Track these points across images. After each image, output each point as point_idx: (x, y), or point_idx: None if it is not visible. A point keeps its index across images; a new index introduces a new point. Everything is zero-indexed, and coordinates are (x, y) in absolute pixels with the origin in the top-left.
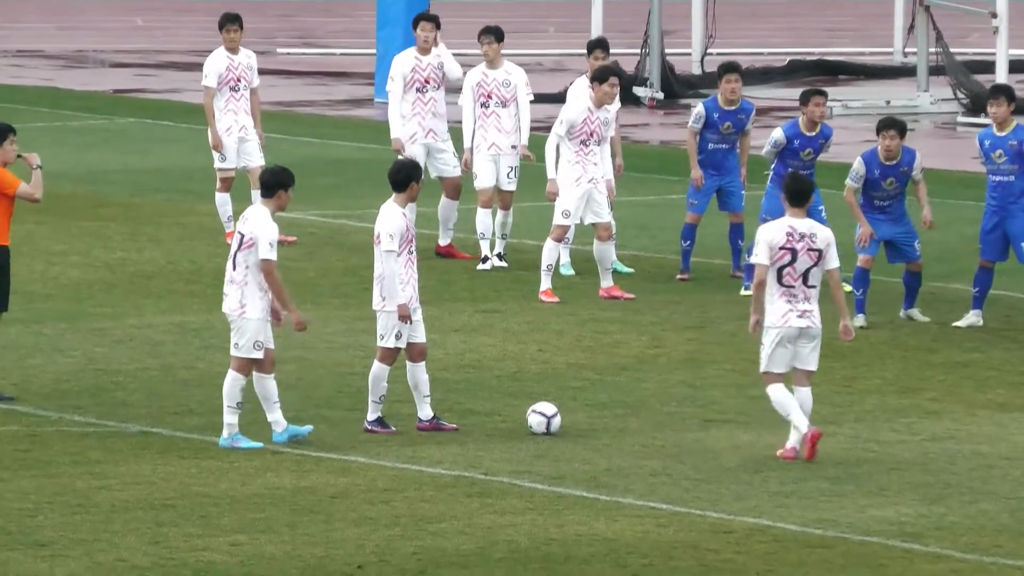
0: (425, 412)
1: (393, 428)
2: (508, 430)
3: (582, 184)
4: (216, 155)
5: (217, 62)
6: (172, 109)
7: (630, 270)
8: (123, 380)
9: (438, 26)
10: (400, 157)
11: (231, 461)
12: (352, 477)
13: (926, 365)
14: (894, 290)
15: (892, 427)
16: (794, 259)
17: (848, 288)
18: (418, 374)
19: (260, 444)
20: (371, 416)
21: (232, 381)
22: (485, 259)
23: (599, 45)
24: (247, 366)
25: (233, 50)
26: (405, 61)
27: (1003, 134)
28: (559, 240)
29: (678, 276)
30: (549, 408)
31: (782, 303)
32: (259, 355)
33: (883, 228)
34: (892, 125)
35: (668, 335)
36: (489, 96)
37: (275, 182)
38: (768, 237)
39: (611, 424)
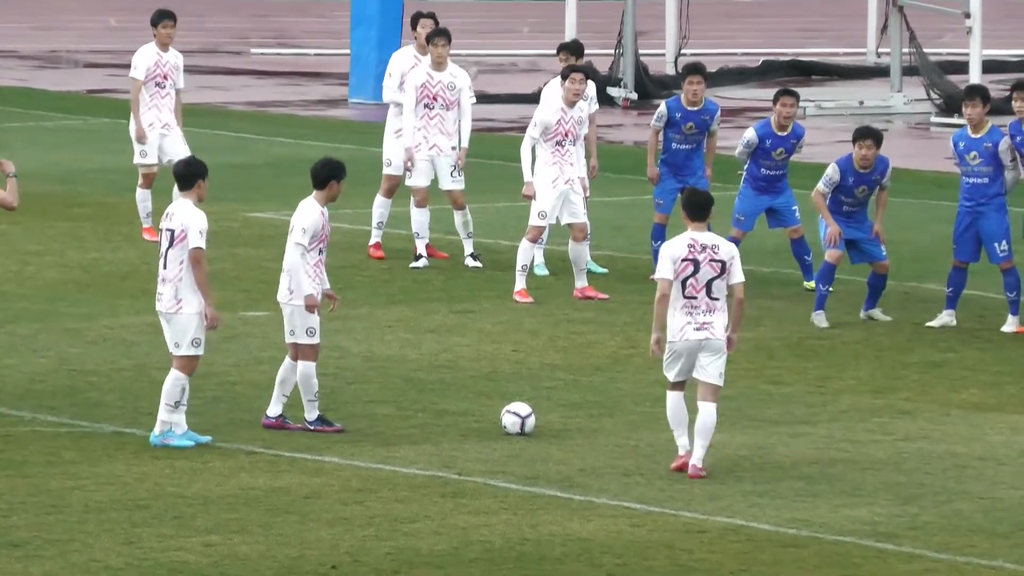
0: (275, 410)
1: (339, 425)
2: (482, 430)
3: (558, 185)
4: (137, 151)
5: (146, 56)
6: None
7: (604, 270)
8: (97, 380)
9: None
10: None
11: (205, 462)
12: (326, 478)
13: (900, 365)
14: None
15: (866, 427)
16: (696, 269)
17: (810, 285)
18: (290, 374)
19: (191, 443)
20: (310, 416)
21: (174, 380)
22: (419, 257)
23: (564, 48)
24: (190, 365)
25: (164, 47)
26: (407, 64)
27: (978, 136)
28: (534, 241)
29: (651, 276)
30: (523, 408)
31: (681, 315)
32: (199, 352)
33: (847, 230)
34: (869, 135)
35: (642, 335)
36: (435, 98)
37: (191, 173)
38: (670, 252)
39: (585, 424)
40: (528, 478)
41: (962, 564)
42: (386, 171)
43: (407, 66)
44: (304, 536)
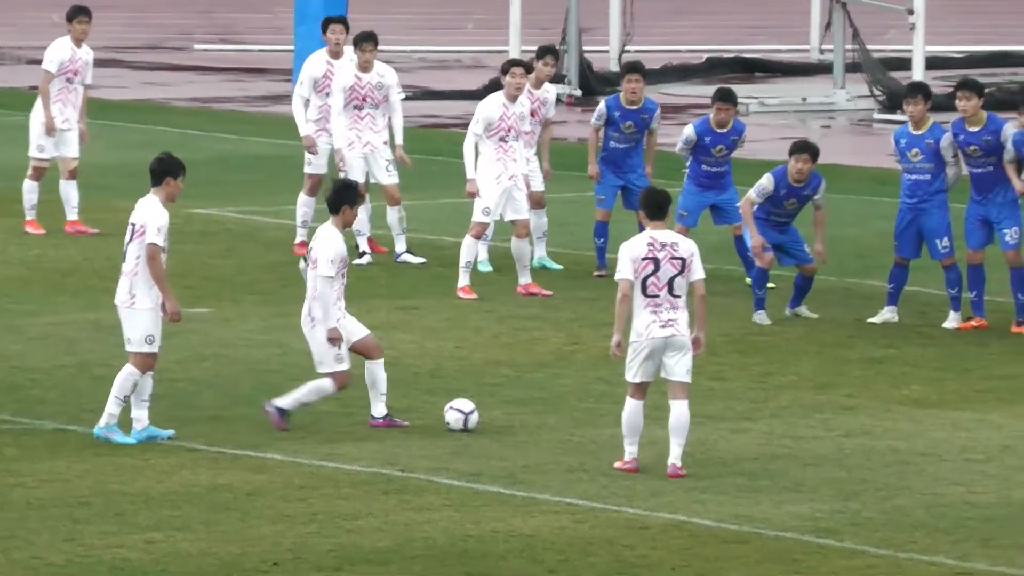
0: (379, 409)
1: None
2: (425, 427)
3: (502, 181)
4: (35, 144)
5: (61, 51)
6: (87, 106)
7: (559, 267)
8: (39, 377)
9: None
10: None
11: (146, 459)
12: (269, 474)
13: (842, 361)
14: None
15: (808, 423)
16: (657, 268)
17: (748, 281)
18: (376, 371)
19: (132, 440)
20: (279, 403)
21: (127, 375)
22: (363, 254)
23: (547, 51)
24: (144, 362)
25: (78, 43)
26: (319, 71)
27: (919, 132)
28: (478, 237)
29: (594, 273)
30: (466, 405)
31: (646, 314)
32: (152, 349)
33: (770, 234)
34: (806, 149)
35: (586, 332)
36: (364, 99)
37: (160, 170)
38: (629, 252)
39: (529, 420)
40: (471, 475)
41: (903, 560)
42: (306, 170)
43: (319, 72)
44: (246, 533)
